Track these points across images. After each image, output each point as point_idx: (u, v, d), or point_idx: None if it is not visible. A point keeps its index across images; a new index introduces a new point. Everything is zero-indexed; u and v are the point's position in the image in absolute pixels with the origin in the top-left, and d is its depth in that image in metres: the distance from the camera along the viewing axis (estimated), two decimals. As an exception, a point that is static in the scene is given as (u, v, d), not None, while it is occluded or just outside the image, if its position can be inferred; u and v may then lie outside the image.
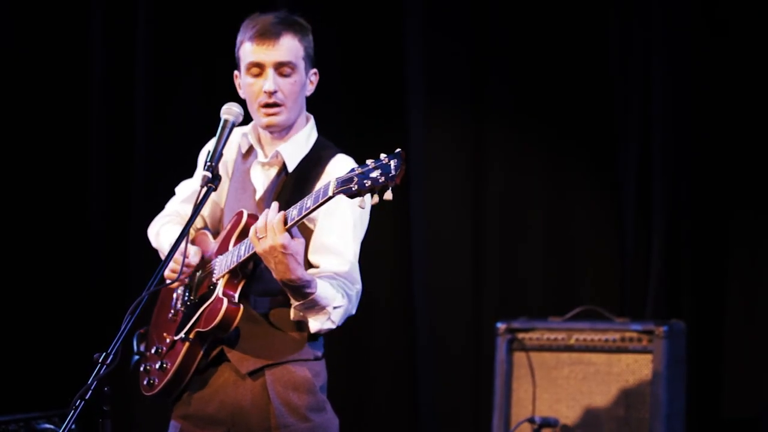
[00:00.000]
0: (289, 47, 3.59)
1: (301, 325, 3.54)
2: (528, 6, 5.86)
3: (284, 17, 3.62)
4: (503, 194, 5.92)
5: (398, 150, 3.09)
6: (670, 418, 5.04)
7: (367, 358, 5.99)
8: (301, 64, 3.61)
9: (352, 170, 3.13)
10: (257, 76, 3.59)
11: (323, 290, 3.39)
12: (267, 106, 3.58)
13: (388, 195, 3.08)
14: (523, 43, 5.87)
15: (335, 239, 3.51)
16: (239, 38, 3.64)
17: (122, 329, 3.05)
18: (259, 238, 3.28)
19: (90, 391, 2.96)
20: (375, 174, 3.08)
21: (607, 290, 5.73)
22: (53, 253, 6.29)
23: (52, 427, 4.94)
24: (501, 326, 5.31)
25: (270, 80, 3.57)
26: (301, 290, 3.36)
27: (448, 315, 5.93)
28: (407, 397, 5.99)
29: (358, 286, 3.53)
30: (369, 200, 3.10)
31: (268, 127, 3.62)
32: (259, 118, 3.60)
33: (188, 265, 3.58)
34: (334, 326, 3.46)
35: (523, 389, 5.27)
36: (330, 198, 3.17)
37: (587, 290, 5.75)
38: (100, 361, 3.01)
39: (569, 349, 5.22)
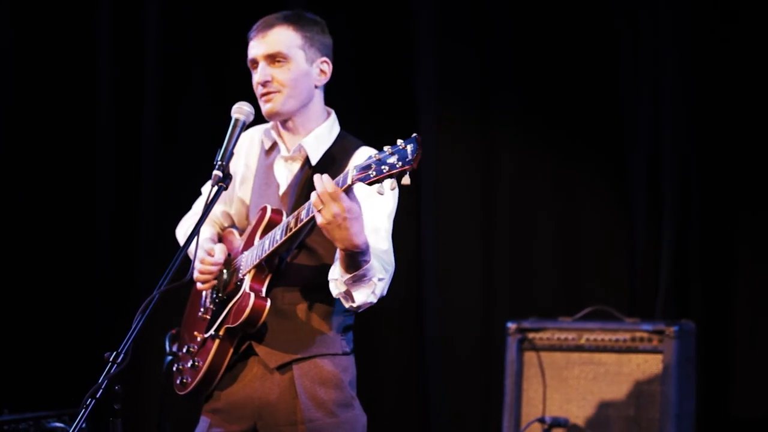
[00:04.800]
0: (278, 38, 3.62)
1: (330, 320, 3.56)
2: (538, 10, 5.85)
3: (286, 13, 3.68)
4: (513, 195, 5.91)
5: (414, 135, 3.10)
6: (680, 418, 5.03)
7: (377, 358, 5.99)
8: (298, 54, 3.63)
9: (370, 157, 3.13)
10: (255, 70, 3.65)
11: (372, 260, 3.37)
12: (262, 96, 3.63)
13: (406, 180, 3.09)
14: (532, 45, 5.87)
15: (374, 219, 3.50)
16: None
17: (133, 328, 3.04)
18: (319, 210, 3.24)
19: (101, 390, 2.95)
20: (392, 160, 3.08)
21: (617, 290, 5.72)
22: (62, 251, 6.31)
23: (62, 425, 4.95)
24: (511, 326, 5.30)
25: (260, 72, 3.62)
26: (360, 258, 3.32)
27: (459, 314, 5.93)
28: (417, 396, 5.99)
29: (393, 266, 3.52)
30: (387, 186, 3.09)
31: (268, 116, 3.66)
32: (262, 109, 3.64)
33: (215, 264, 3.59)
34: (375, 300, 3.43)
35: (533, 389, 5.27)
36: (349, 186, 3.17)
37: (597, 290, 5.74)
38: (110, 360, 3.00)
39: (579, 349, 5.21)
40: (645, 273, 5.64)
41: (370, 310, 3.54)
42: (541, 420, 5.16)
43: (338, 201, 3.20)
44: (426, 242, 5.94)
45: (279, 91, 3.61)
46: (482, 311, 5.91)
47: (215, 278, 3.64)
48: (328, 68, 3.69)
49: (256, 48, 3.64)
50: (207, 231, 3.81)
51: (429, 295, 5.93)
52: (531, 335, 5.28)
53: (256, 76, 3.63)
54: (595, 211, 5.84)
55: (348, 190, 3.22)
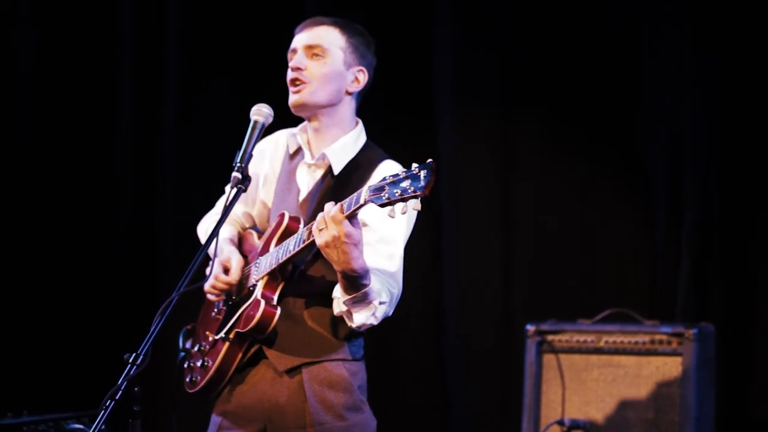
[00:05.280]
0: (322, 33, 3.65)
1: (340, 326, 3.55)
2: (556, 10, 5.84)
3: (338, 18, 3.70)
4: (533, 196, 5.91)
5: (429, 161, 3.10)
6: (700, 421, 5.01)
7: (397, 359, 5.99)
8: (337, 53, 3.64)
9: (384, 179, 3.14)
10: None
11: (373, 283, 3.40)
12: (291, 82, 3.64)
13: (417, 205, 3.09)
14: (552, 48, 5.86)
15: (390, 246, 3.53)
16: None
17: (152, 330, 3.05)
18: (320, 230, 3.28)
19: (120, 392, 2.96)
20: (405, 184, 3.09)
21: (636, 292, 5.70)
22: (82, 252, 6.33)
23: (82, 427, 4.97)
24: (530, 328, 5.30)
25: (295, 59, 3.65)
26: (359, 281, 3.35)
27: (478, 317, 5.92)
28: (436, 398, 5.98)
29: (400, 289, 3.53)
30: (399, 210, 3.10)
31: (294, 108, 3.66)
32: (290, 101, 3.65)
33: (228, 284, 3.60)
34: (375, 323, 3.45)
35: (552, 391, 5.26)
36: (361, 206, 3.18)
37: (616, 292, 5.72)
38: (130, 361, 3.01)
39: (599, 351, 5.20)
40: (664, 275, 5.63)
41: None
42: (561, 422, 5.15)
43: (339, 225, 3.23)
44: (445, 244, 5.94)
45: (308, 82, 3.62)
46: (501, 313, 5.91)
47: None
48: (363, 77, 3.70)
49: (299, 39, 3.67)
50: (227, 231, 3.82)
51: (448, 296, 5.93)
52: (550, 337, 5.27)
53: (291, 63, 3.65)
54: (615, 212, 5.82)
55: (353, 215, 3.24)
